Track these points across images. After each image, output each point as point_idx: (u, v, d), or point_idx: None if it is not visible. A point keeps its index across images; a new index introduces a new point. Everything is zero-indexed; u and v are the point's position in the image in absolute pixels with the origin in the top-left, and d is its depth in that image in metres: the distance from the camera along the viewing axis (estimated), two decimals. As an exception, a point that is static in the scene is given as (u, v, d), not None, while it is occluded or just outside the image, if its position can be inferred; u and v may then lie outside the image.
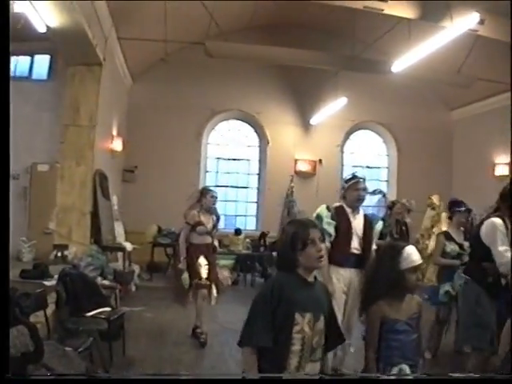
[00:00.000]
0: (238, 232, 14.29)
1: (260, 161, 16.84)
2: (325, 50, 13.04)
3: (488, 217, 5.24)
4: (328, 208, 5.79)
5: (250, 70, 15.09)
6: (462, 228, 7.20)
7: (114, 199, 12.40)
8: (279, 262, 3.25)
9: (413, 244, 3.85)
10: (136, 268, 11.83)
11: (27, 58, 12.28)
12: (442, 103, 17.17)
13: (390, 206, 8.93)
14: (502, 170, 14.62)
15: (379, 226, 7.88)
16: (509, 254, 4.82)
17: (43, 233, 10.09)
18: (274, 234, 13.85)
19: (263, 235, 14.72)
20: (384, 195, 9.73)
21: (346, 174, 6.31)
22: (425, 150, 16.49)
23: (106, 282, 8.37)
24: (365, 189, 5.91)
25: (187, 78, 14.97)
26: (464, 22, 9.05)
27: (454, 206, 7.36)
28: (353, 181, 5.86)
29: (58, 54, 11.07)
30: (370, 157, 17.64)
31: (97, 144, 10.41)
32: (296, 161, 16.32)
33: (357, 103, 15.59)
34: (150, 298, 10.12)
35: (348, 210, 5.81)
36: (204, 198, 7.77)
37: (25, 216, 10.91)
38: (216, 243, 8.09)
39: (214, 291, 7.67)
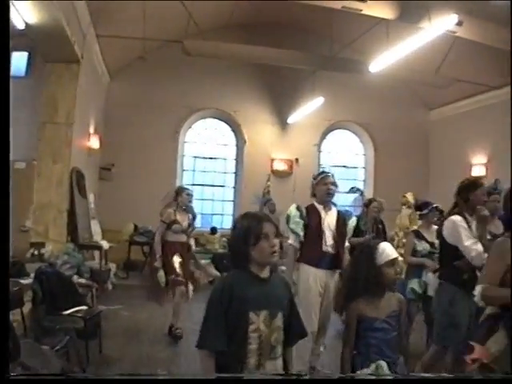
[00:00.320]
0: (213, 231, 14.32)
1: (237, 159, 16.84)
2: (303, 50, 13.11)
3: (448, 215, 5.33)
4: (298, 208, 5.77)
5: (227, 69, 15.08)
6: (434, 226, 7.27)
7: (91, 197, 12.36)
8: (232, 256, 3.17)
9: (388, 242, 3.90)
10: (112, 266, 11.79)
11: (5, 55, 12.14)
12: (419, 103, 17.29)
13: (367, 204, 8.99)
14: (478, 171, 14.73)
15: (353, 222, 7.94)
16: (478, 246, 4.89)
17: (20, 230, 10.01)
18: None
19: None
20: (361, 193, 9.77)
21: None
22: (402, 150, 16.58)
23: (82, 281, 8.33)
24: (333, 183, 5.86)
25: (165, 77, 14.95)
26: (442, 24, 9.12)
27: (424, 205, 7.45)
28: (321, 176, 5.85)
29: (36, 50, 10.99)
30: (347, 156, 17.69)
31: (74, 142, 10.36)
32: (273, 160, 16.33)
33: (334, 103, 15.68)
34: (126, 297, 10.08)
35: (319, 207, 5.77)
36: (180, 197, 7.83)
37: (1, 213, 10.81)
38: (192, 242, 8.12)
39: (191, 288, 7.69)
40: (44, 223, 9.81)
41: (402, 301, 3.85)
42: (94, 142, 12.83)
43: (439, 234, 5.48)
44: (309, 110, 14.86)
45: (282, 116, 16.26)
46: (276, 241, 3.00)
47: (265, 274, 3.04)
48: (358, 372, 3.54)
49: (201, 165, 16.69)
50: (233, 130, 16.75)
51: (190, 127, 16.36)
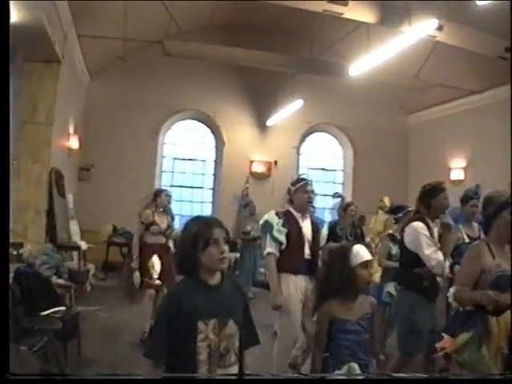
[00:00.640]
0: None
1: (216, 161, 16.88)
2: (283, 52, 13.16)
3: (409, 221, 5.32)
4: (278, 215, 5.54)
5: (207, 70, 15.13)
6: None
7: (70, 197, 12.30)
8: (180, 261, 3.04)
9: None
10: (91, 267, 11.74)
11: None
12: (399, 107, 17.44)
13: (344, 208, 9.01)
14: (457, 175, 14.89)
15: (325, 229, 7.92)
16: (438, 255, 4.89)
17: (-2, 230, 9.95)
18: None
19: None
20: (343, 199, 9.80)
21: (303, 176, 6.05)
22: (381, 153, 16.72)
23: (60, 281, 8.31)
24: (313, 191, 5.69)
25: (145, 77, 14.94)
26: (422, 28, 9.20)
27: (398, 209, 7.50)
28: (301, 183, 5.63)
29: (16, 50, 10.93)
30: (326, 159, 17.83)
31: (53, 142, 10.30)
32: (251, 162, 16.41)
33: (314, 105, 15.77)
34: (104, 298, 10.04)
35: (297, 215, 5.59)
36: (159, 198, 7.85)
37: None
38: (171, 243, 8.08)
39: (166, 291, 7.66)
40: (23, 223, 9.74)
41: (375, 304, 3.87)
42: (74, 142, 12.76)
43: (401, 240, 5.46)
44: (288, 112, 14.95)
45: (262, 118, 16.33)
46: (226, 247, 2.93)
47: (214, 280, 2.98)
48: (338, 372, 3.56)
49: (180, 166, 16.72)
50: (212, 132, 16.78)
51: (169, 128, 16.40)
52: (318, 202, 7.71)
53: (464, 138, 14.66)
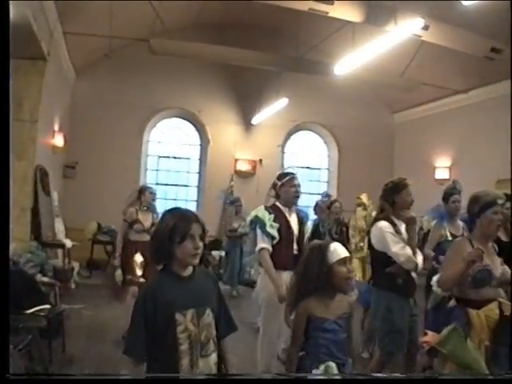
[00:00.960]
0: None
1: (200, 159, 16.87)
2: (269, 50, 13.18)
3: (374, 221, 5.35)
4: (268, 210, 5.57)
5: (192, 68, 15.12)
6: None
7: (55, 195, 12.23)
8: (154, 252, 3.07)
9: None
10: (76, 265, 11.71)
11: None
12: (384, 106, 17.50)
13: (328, 206, 9.03)
14: (442, 174, 14.98)
15: (310, 223, 7.93)
16: (406, 250, 4.90)
17: (-18, 228, 9.90)
18: (213, 233, 14.11)
19: (202, 234, 14.71)
20: (329, 198, 9.84)
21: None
22: (366, 152, 16.78)
23: (45, 279, 8.30)
24: (299, 185, 5.71)
25: (130, 75, 14.90)
26: (408, 27, 9.22)
27: None
28: (288, 177, 5.66)
29: (0, 46, 10.87)
30: (311, 157, 17.86)
31: (38, 139, 10.25)
32: (236, 160, 16.42)
33: (299, 104, 15.82)
34: (89, 296, 10.01)
35: (284, 210, 5.63)
36: (143, 195, 7.84)
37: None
38: (155, 241, 8.04)
39: None
40: (7, 221, 9.69)
41: (353, 303, 3.90)
42: (59, 140, 12.70)
43: (368, 242, 5.49)
44: (273, 110, 14.97)
45: (247, 116, 16.35)
46: (201, 244, 2.99)
47: (187, 272, 3.04)
48: (314, 371, 3.57)
49: (164, 164, 16.70)
50: (197, 130, 16.77)
51: (154, 126, 16.34)
52: (303, 201, 7.72)
53: (449, 137, 14.74)
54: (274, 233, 5.45)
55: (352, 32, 10.89)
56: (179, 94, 15.60)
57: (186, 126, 16.82)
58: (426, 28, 9.49)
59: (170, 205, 16.08)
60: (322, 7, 9.87)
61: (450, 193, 6.47)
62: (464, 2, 8.42)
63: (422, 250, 5.57)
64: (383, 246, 5.05)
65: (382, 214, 5.24)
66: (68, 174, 14.60)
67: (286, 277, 5.31)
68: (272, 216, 5.51)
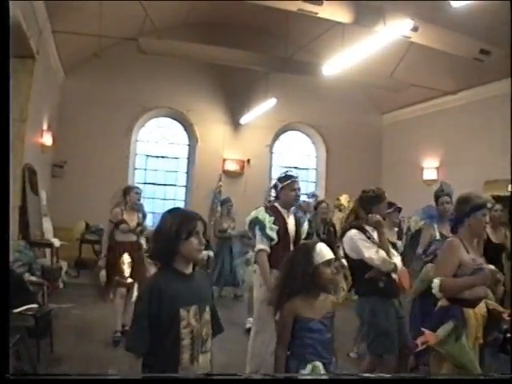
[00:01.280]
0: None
1: (189, 159, 16.85)
2: (258, 50, 13.15)
3: (344, 232, 5.35)
4: (267, 212, 5.63)
5: (181, 68, 15.14)
6: (395, 228, 7.39)
7: (43, 194, 12.19)
8: (157, 251, 3.13)
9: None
10: (64, 264, 11.66)
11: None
12: (373, 107, 17.57)
13: (315, 206, 9.06)
14: (430, 175, 15.05)
15: (306, 225, 7.97)
16: (379, 254, 4.94)
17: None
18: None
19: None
20: (316, 198, 9.86)
21: (278, 174, 6.19)
22: (354, 153, 16.86)
23: (33, 278, 8.24)
24: (300, 188, 5.81)
25: (119, 74, 14.88)
26: (397, 29, 9.25)
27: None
28: (289, 180, 5.72)
29: (-11, 45, 10.83)
30: (299, 158, 17.92)
31: (27, 138, 10.21)
32: (224, 160, 16.42)
33: (287, 104, 15.88)
34: (77, 295, 9.99)
35: (283, 211, 5.71)
36: (128, 196, 7.79)
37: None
38: (143, 241, 8.02)
39: (135, 289, 7.62)
40: (-5, 220, 9.65)
41: (336, 303, 3.93)
42: (47, 139, 12.64)
43: (344, 252, 5.48)
44: (262, 110, 14.98)
45: (235, 116, 16.36)
46: (203, 240, 3.09)
47: (189, 269, 3.12)
48: (302, 372, 3.58)
49: (153, 164, 16.66)
50: (185, 129, 16.76)
51: (142, 125, 16.31)
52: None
53: (437, 138, 14.80)
54: (273, 235, 5.52)
55: (341, 32, 10.90)
56: (168, 93, 15.59)
57: (175, 126, 16.79)
58: (415, 29, 9.51)
59: (158, 204, 16.17)
60: (311, 8, 9.85)
61: (438, 195, 6.54)
62: (453, 3, 8.44)
63: (413, 250, 5.59)
64: (357, 254, 5.10)
65: (356, 222, 5.26)
66: (56, 173, 14.54)
67: None
68: (272, 218, 5.57)
